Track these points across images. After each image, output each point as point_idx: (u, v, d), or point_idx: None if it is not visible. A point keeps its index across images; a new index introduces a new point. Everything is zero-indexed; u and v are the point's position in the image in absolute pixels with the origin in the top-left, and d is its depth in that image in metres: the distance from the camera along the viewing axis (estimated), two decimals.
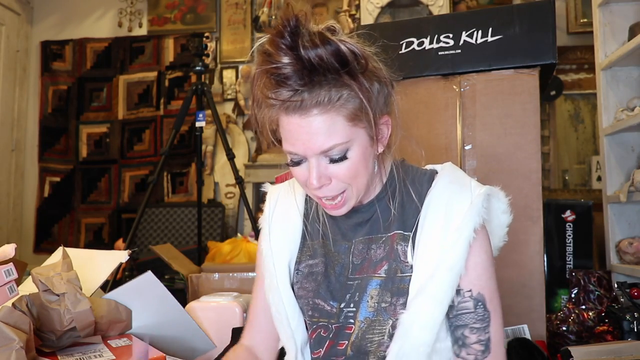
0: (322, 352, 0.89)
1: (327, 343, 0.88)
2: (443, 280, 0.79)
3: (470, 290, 0.81)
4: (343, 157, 0.78)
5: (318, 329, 0.90)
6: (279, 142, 0.83)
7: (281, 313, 0.92)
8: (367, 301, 0.85)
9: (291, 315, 0.92)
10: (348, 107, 0.77)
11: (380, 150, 0.85)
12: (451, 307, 0.82)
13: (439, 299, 0.79)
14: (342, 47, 0.74)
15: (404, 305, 0.82)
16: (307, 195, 0.98)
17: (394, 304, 0.83)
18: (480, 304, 0.81)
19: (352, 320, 0.87)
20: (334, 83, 0.75)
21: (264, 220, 1.00)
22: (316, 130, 0.76)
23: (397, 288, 0.84)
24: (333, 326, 0.88)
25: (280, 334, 0.94)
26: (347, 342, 0.86)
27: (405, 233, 0.86)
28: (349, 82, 0.76)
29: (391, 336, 0.83)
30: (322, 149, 0.77)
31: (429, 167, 0.95)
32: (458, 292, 0.81)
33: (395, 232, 0.87)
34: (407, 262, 0.84)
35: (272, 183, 1.06)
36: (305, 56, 0.73)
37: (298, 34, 0.73)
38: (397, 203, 0.88)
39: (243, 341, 1.02)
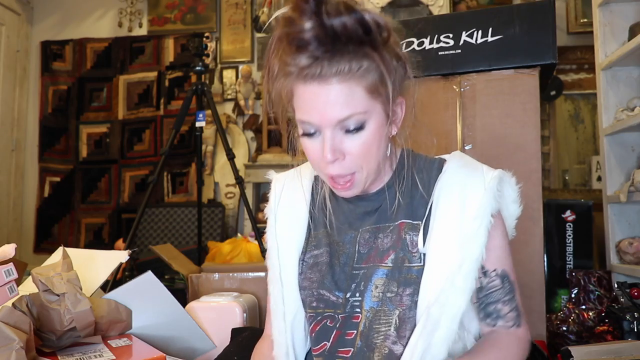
0: (329, 345, 0.86)
1: (334, 333, 0.86)
2: (470, 270, 0.80)
3: (495, 270, 0.84)
4: (359, 128, 0.77)
5: (323, 319, 0.88)
6: (289, 118, 0.82)
7: (278, 306, 0.91)
8: (372, 290, 0.84)
9: (288, 310, 0.91)
10: (368, 79, 0.75)
11: (394, 132, 0.84)
12: (480, 289, 0.84)
13: (466, 290, 0.80)
14: (367, 16, 0.73)
15: (411, 295, 0.82)
16: (313, 183, 0.97)
17: (400, 294, 0.82)
18: (505, 278, 0.85)
19: (358, 310, 0.85)
20: (355, 53, 0.74)
21: (269, 210, 0.98)
22: (334, 99, 0.74)
23: (405, 278, 0.83)
24: (339, 316, 0.86)
25: (274, 327, 0.92)
26: (355, 331, 0.85)
27: (414, 222, 0.85)
28: (370, 53, 0.75)
29: (397, 328, 0.82)
30: (339, 118, 0.75)
31: (437, 156, 0.94)
32: (484, 273, 0.84)
33: (403, 221, 0.86)
34: (416, 252, 0.84)
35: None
36: (328, 23, 0.71)
37: (322, 1, 0.71)
38: (405, 191, 0.87)
39: (267, 332, 0.99)
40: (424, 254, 0.83)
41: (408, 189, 0.88)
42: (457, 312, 0.79)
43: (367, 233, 0.88)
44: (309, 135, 0.79)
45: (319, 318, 0.88)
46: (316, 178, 0.97)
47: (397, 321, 0.82)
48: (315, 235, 0.93)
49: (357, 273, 0.87)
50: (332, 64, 0.73)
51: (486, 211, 0.81)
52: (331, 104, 0.75)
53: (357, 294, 0.86)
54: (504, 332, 0.86)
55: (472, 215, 0.81)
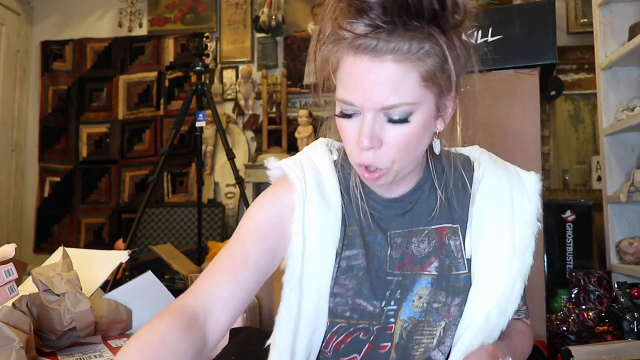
0: (359, 357, 0.78)
1: (366, 346, 0.78)
2: (525, 277, 0.79)
3: None
4: (404, 120, 0.68)
5: (356, 331, 0.78)
6: (330, 90, 0.74)
7: (291, 314, 0.75)
8: (413, 300, 0.78)
9: (304, 324, 0.76)
10: (426, 64, 0.66)
11: (440, 128, 0.76)
12: None
13: (519, 298, 0.79)
14: None
15: (459, 305, 0.77)
16: (336, 170, 0.83)
17: (448, 305, 0.77)
18: None
19: (392, 320, 0.78)
20: (420, 31, 0.65)
21: (297, 195, 0.78)
22: (385, 80, 0.65)
23: (453, 287, 0.78)
24: (374, 328, 0.78)
25: (277, 338, 0.75)
26: (389, 344, 0.77)
27: (454, 226, 0.80)
28: (437, 34, 0.66)
29: (439, 340, 0.77)
30: (384, 104, 0.66)
31: (455, 150, 0.87)
32: None
33: (445, 225, 0.80)
34: (461, 259, 0.79)
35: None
36: None
37: None
38: (441, 192, 0.81)
39: (185, 299, 0.69)
40: (469, 260, 0.79)
41: (443, 190, 0.81)
42: (508, 319, 0.78)
43: (399, 237, 0.80)
44: (346, 116, 0.70)
45: (351, 329, 0.78)
46: (336, 163, 0.84)
47: (442, 332, 0.77)
48: (348, 232, 0.80)
49: (391, 279, 0.79)
50: (390, 38, 0.64)
51: (534, 218, 0.79)
52: (380, 84, 0.66)
53: (392, 302, 0.78)
54: (517, 320, 0.86)
55: (523, 224, 0.79)
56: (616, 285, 1.62)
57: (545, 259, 1.90)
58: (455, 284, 0.78)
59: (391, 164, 0.71)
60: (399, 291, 0.79)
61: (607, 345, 1.28)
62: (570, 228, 1.93)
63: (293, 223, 0.77)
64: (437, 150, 0.79)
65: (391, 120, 0.68)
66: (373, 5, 0.63)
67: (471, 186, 0.82)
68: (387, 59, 0.65)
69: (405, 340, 0.77)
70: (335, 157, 0.84)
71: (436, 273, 0.79)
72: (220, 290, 0.71)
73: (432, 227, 0.80)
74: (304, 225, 0.77)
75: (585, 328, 1.63)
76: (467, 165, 0.84)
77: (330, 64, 0.71)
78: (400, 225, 0.81)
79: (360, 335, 0.78)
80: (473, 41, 0.72)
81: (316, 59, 0.74)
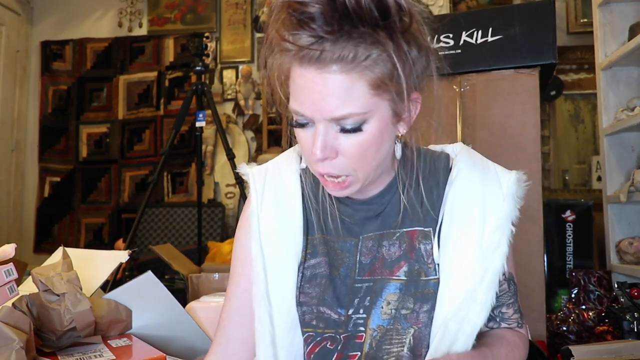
0: None
1: (335, 356, 0.77)
2: (492, 283, 0.74)
3: (504, 274, 0.78)
4: (357, 129, 0.66)
5: (323, 341, 0.78)
6: (287, 98, 0.72)
7: (265, 327, 0.78)
8: (382, 307, 0.76)
9: (279, 333, 0.78)
10: (375, 72, 0.64)
11: (403, 131, 0.74)
12: None
13: (487, 304, 0.74)
14: None
15: (428, 312, 0.75)
16: (301, 176, 0.84)
17: (416, 311, 0.75)
18: (511, 282, 0.80)
19: (362, 329, 0.77)
20: (365, 38, 0.63)
21: (251, 212, 0.82)
22: (331, 90, 0.64)
23: (422, 293, 0.75)
24: (341, 336, 0.77)
25: (259, 351, 0.78)
26: (359, 353, 0.76)
27: (426, 229, 0.78)
28: (384, 40, 0.64)
29: (411, 348, 0.75)
30: (334, 115, 0.65)
31: (436, 147, 0.85)
32: None
33: (416, 228, 0.78)
34: (431, 264, 0.76)
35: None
36: None
37: None
38: (412, 194, 0.78)
39: (212, 356, 0.84)
40: (439, 265, 0.76)
41: (415, 191, 0.79)
42: (475, 328, 0.73)
43: (370, 241, 0.79)
44: (301, 125, 0.70)
45: (318, 339, 0.78)
46: (305, 170, 0.85)
47: (412, 340, 0.75)
48: (311, 241, 0.81)
49: (360, 286, 0.78)
50: (335, 48, 0.63)
51: (507, 220, 0.75)
52: (327, 95, 0.64)
53: (361, 311, 0.77)
54: (507, 329, 0.82)
55: (493, 225, 0.75)
56: (616, 285, 1.62)
57: (545, 259, 1.90)
58: (424, 290, 0.76)
59: (352, 171, 0.70)
60: (368, 298, 0.77)
61: (607, 345, 1.28)
62: (570, 228, 1.93)
63: (251, 239, 0.81)
64: (398, 154, 0.77)
65: (344, 130, 0.67)
66: (313, 15, 0.62)
67: (446, 189, 0.79)
68: (333, 69, 0.63)
69: (375, 350, 0.76)
70: (304, 164, 0.85)
71: (405, 278, 0.77)
72: (230, 344, 0.83)
73: (404, 229, 0.79)
74: (260, 239, 0.80)
75: (585, 328, 1.63)
76: (445, 165, 0.81)
77: (280, 74, 0.71)
78: (372, 229, 0.80)
79: (328, 345, 0.78)
80: (429, 43, 0.71)
81: (267, 66, 0.72)
